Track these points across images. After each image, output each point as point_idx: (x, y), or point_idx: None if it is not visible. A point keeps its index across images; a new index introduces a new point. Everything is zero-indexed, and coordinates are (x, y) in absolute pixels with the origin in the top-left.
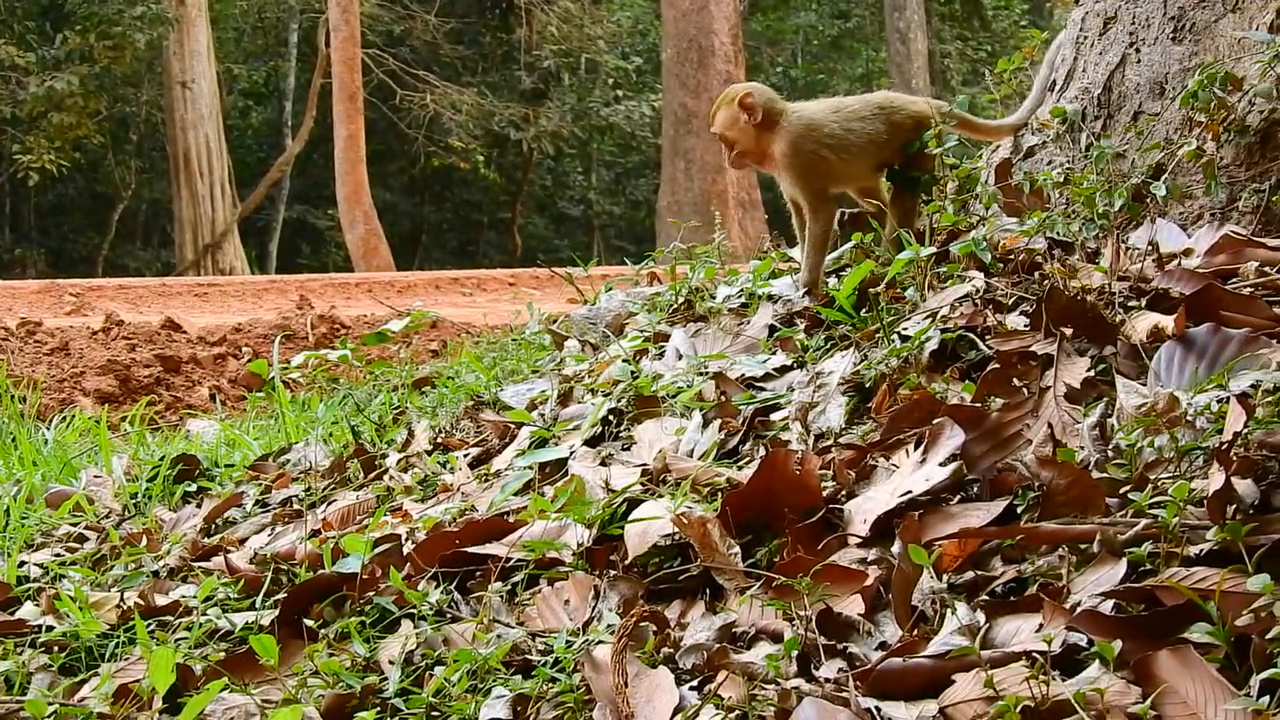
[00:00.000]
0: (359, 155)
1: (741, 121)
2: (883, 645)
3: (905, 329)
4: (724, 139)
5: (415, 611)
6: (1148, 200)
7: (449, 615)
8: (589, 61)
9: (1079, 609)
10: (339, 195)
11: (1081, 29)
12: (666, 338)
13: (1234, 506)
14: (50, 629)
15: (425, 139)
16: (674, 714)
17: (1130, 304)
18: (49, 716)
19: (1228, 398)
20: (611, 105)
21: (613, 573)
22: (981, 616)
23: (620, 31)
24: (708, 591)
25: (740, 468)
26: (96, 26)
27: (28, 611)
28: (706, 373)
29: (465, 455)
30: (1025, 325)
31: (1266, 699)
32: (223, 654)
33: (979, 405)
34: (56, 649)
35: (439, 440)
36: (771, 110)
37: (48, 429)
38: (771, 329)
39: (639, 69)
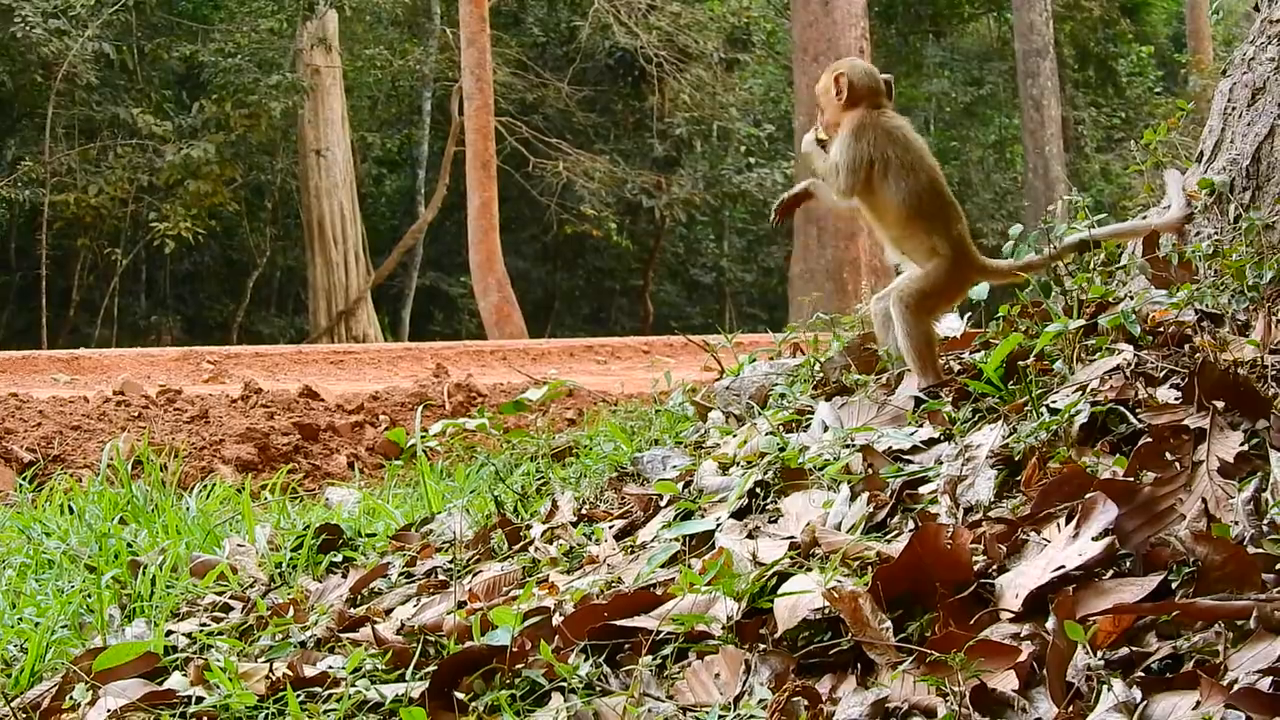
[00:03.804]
0: (492, 223)
1: (831, 94)
2: None
3: (1054, 402)
4: (817, 102)
5: (565, 684)
6: None
7: (599, 689)
8: (721, 129)
9: (1237, 686)
10: (472, 262)
11: (1229, 100)
12: (811, 410)
13: None
14: (200, 700)
15: (558, 206)
16: None
17: None
18: None
19: None
20: (744, 172)
21: (763, 647)
22: (1138, 693)
23: (752, 99)
24: (859, 666)
25: (889, 541)
26: (233, 95)
27: (176, 682)
28: (853, 445)
29: (610, 527)
30: (1176, 398)
31: None
32: None
33: (1131, 479)
34: (206, 719)
35: (583, 512)
36: (859, 95)
37: (189, 497)
38: (918, 401)
39: (771, 136)
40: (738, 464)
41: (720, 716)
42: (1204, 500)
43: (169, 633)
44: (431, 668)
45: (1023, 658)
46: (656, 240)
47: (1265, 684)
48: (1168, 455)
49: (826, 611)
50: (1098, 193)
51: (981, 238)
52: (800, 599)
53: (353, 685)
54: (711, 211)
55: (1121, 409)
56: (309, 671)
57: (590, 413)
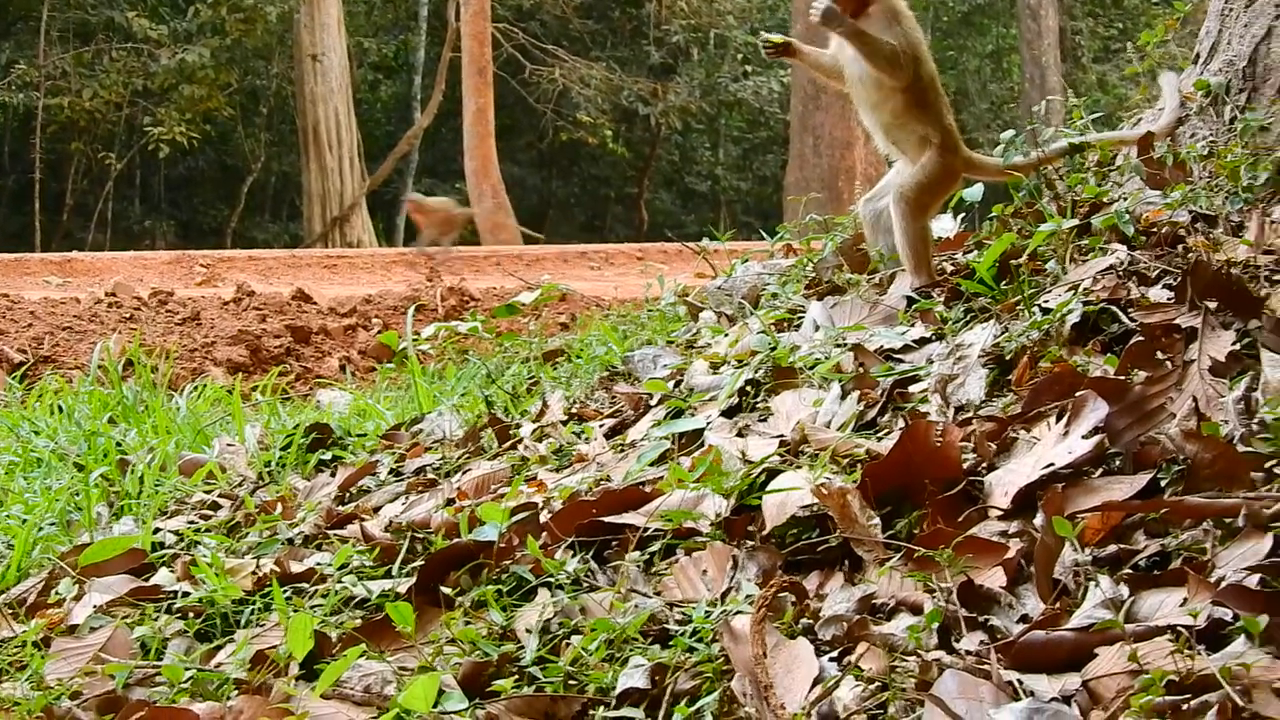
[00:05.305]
0: (488, 129)
1: None
2: (1024, 618)
3: (1046, 301)
4: None
5: (552, 580)
6: None
7: (586, 584)
8: (718, 37)
9: (1224, 583)
10: (467, 169)
11: (1227, 1)
12: (803, 309)
13: None
14: (186, 595)
15: (554, 114)
16: (813, 685)
17: (1275, 277)
18: (186, 681)
19: None
20: (740, 81)
21: (750, 543)
22: (1125, 590)
23: (750, 6)
24: (846, 563)
25: (879, 439)
26: None
27: (163, 578)
28: (844, 344)
29: (600, 425)
30: (1169, 298)
31: None
32: (359, 621)
33: (1122, 378)
34: (192, 614)
35: (573, 411)
36: None
37: (180, 397)
38: (910, 300)
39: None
40: (729, 363)
41: (707, 611)
42: (1195, 399)
43: (156, 530)
44: (418, 563)
45: (1011, 554)
46: (652, 148)
47: (1253, 581)
48: (1159, 354)
49: (815, 509)
50: (1094, 103)
51: (977, 148)
52: (789, 496)
53: (339, 581)
54: (707, 119)
55: (1113, 308)
56: (296, 568)
57: (583, 317)
